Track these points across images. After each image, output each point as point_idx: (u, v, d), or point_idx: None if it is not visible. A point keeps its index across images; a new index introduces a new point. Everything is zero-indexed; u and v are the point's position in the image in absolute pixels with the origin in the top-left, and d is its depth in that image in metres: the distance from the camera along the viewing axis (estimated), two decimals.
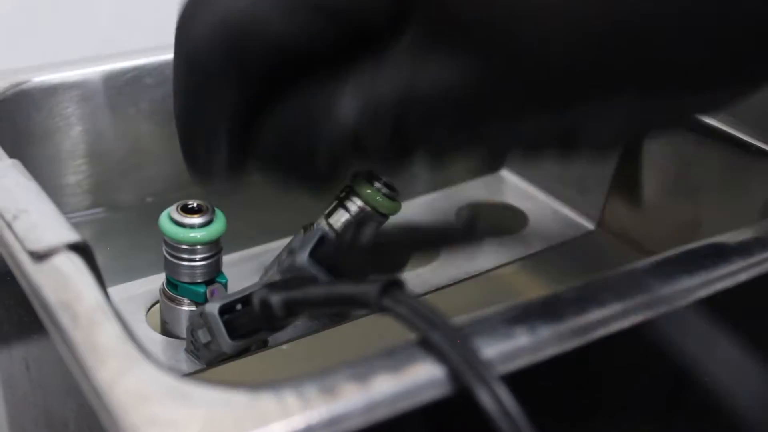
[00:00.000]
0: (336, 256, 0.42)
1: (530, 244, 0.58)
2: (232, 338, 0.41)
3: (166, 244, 0.47)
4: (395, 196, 0.49)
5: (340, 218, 0.49)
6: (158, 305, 0.50)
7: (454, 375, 0.30)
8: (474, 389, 0.29)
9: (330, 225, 0.49)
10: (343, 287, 0.35)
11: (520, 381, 0.30)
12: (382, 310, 0.32)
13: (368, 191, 0.49)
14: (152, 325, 0.50)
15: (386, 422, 0.30)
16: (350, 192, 0.49)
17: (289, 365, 0.47)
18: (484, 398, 0.29)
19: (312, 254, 0.43)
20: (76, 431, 0.40)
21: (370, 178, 0.49)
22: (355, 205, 0.49)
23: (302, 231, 0.50)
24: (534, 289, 0.58)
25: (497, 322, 0.33)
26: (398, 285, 0.33)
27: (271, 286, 0.38)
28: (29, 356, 0.46)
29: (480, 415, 0.29)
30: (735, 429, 0.45)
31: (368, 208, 0.48)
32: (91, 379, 0.31)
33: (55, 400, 0.43)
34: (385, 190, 0.49)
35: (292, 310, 0.37)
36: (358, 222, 0.48)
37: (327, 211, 0.50)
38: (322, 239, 0.44)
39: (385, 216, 0.49)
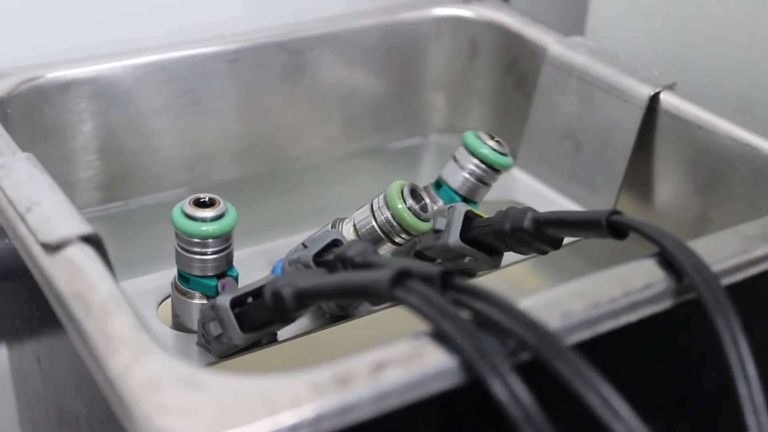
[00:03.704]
0: (336, 263, 0.42)
1: None
2: (244, 331, 0.42)
3: (178, 237, 0.47)
4: (426, 218, 0.47)
5: (366, 224, 0.48)
6: (168, 300, 0.50)
7: (467, 365, 0.31)
8: (487, 378, 0.29)
9: (355, 227, 0.48)
10: (355, 277, 0.35)
11: (530, 375, 0.30)
12: (393, 299, 0.32)
13: (398, 206, 0.47)
14: (162, 319, 0.50)
15: (396, 413, 0.30)
16: (384, 200, 0.47)
17: (300, 358, 0.47)
18: (497, 387, 0.29)
19: (318, 256, 0.44)
20: (88, 425, 0.41)
21: (405, 193, 0.47)
22: (382, 215, 0.47)
23: (331, 225, 0.49)
24: (546, 286, 0.58)
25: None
26: (453, 274, 0.33)
27: (282, 278, 0.38)
28: (40, 350, 0.46)
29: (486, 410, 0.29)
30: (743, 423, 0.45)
31: (394, 222, 0.47)
32: (104, 368, 0.31)
33: (66, 393, 0.43)
34: (416, 209, 0.47)
35: (303, 301, 0.37)
36: (383, 231, 0.47)
37: (357, 211, 0.49)
38: (333, 243, 0.44)
39: (410, 234, 0.48)
